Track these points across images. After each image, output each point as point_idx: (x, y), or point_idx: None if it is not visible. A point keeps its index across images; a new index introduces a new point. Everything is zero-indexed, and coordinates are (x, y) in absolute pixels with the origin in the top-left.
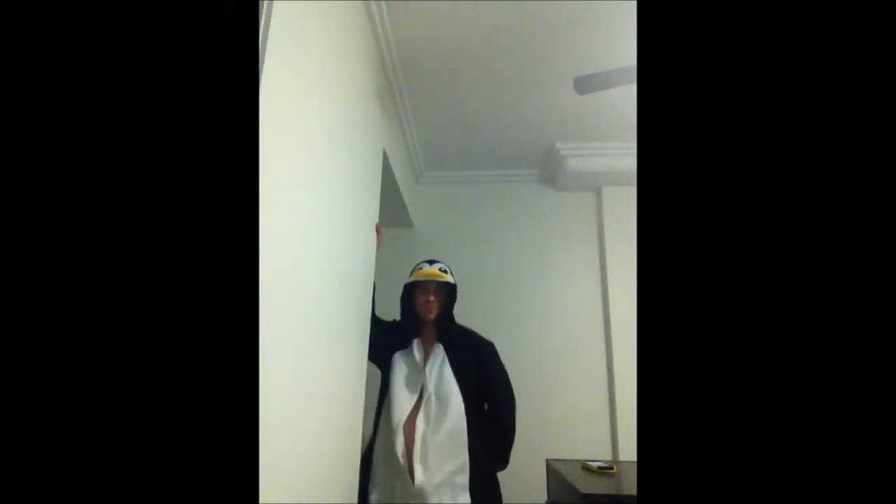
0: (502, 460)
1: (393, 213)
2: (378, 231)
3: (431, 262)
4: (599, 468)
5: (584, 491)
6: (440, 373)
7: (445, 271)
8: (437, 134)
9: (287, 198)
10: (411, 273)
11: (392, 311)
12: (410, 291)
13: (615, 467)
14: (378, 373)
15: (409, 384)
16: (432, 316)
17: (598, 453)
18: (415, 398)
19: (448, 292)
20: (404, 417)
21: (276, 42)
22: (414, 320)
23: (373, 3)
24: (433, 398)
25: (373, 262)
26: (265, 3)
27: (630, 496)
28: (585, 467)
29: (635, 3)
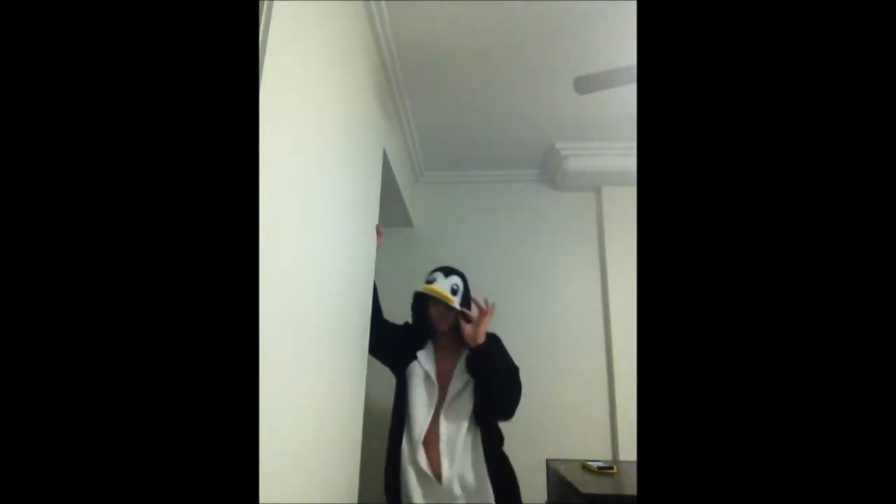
0: (507, 413)
1: (393, 213)
2: (379, 233)
3: (447, 274)
4: (599, 468)
5: (584, 491)
6: (462, 378)
7: (456, 291)
8: (437, 134)
9: (287, 198)
10: (427, 280)
11: (392, 311)
12: (422, 299)
13: (615, 467)
14: (381, 371)
15: (426, 395)
16: (444, 328)
17: (598, 453)
18: (432, 410)
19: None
20: (423, 433)
21: (276, 42)
22: (426, 326)
23: (373, 2)
24: (455, 402)
25: (373, 262)
26: (265, 3)
27: (630, 496)
28: (585, 467)
29: (635, 3)
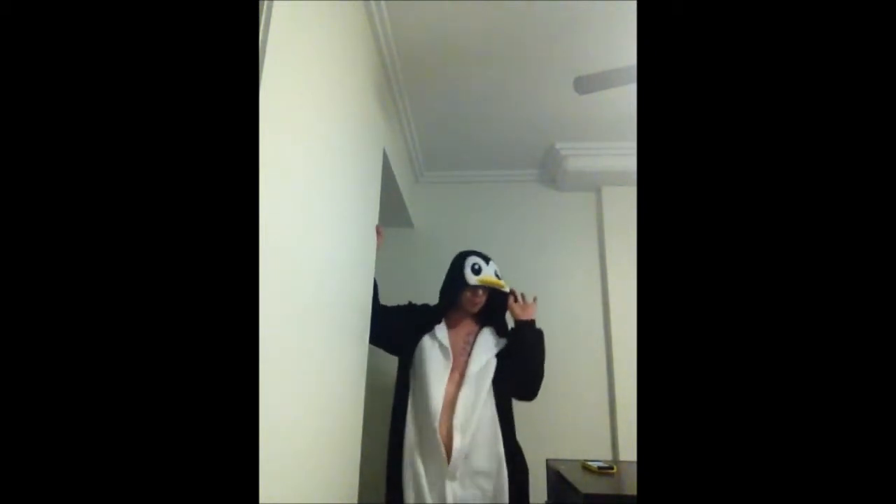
0: (535, 389)
1: (393, 213)
2: (379, 233)
3: (486, 260)
4: (599, 468)
5: (584, 491)
6: (484, 355)
7: (499, 276)
8: (437, 134)
9: (287, 198)
10: (465, 260)
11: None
12: (459, 285)
13: (615, 467)
14: (378, 371)
15: (443, 365)
16: (476, 310)
17: (598, 453)
18: (443, 387)
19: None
20: (441, 404)
21: (276, 42)
22: (449, 306)
23: (373, 2)
24: (475, 379)
25: (373, 262)
26: (265, 3)
27: (630, 496)
28: (585, 467)
29: (635, 3)
